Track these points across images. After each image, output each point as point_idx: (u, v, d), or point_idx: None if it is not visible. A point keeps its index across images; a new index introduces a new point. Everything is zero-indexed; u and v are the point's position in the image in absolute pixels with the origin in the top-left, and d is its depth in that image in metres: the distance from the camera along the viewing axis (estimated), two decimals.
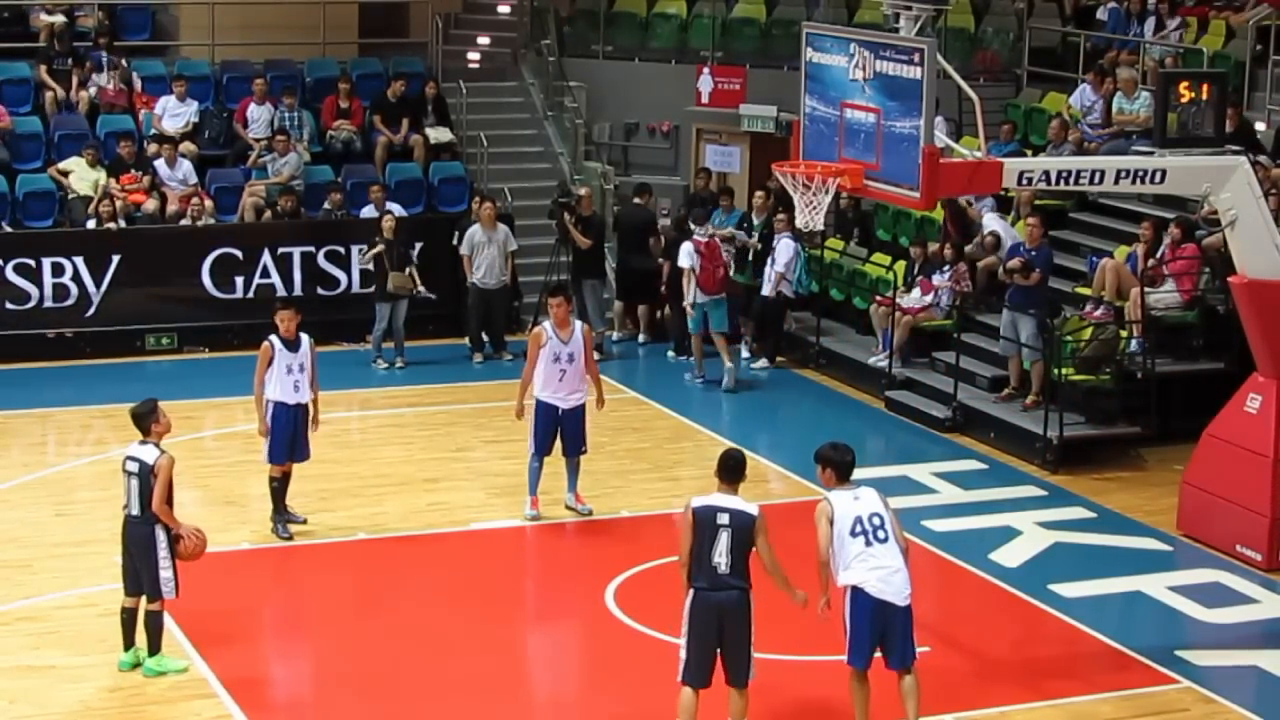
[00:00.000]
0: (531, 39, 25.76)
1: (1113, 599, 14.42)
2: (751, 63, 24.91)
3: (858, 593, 11.11)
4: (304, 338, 14.96)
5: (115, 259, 20.83)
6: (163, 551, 12.13)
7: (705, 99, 24.89)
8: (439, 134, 23.50)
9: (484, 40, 25.91)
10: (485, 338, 21.15)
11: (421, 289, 20.69)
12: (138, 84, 23.11)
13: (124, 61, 23.04)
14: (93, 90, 22.67)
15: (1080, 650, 13.36)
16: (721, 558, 10.95)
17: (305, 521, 15.25)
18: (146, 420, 12.23)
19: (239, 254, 21.31)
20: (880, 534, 11.10)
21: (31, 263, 20.62)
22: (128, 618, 12.37)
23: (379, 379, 20.36)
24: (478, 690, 12.32)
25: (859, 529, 11.10)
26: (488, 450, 17.81)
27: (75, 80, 22.72)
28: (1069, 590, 14.38)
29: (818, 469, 11.49)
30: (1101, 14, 24.42)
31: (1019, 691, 12.53)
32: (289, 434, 14.93)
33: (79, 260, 20.74)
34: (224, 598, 13.46)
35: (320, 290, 21.56)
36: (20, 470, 16.90)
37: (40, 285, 20.65)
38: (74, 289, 20.76)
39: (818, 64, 13.93)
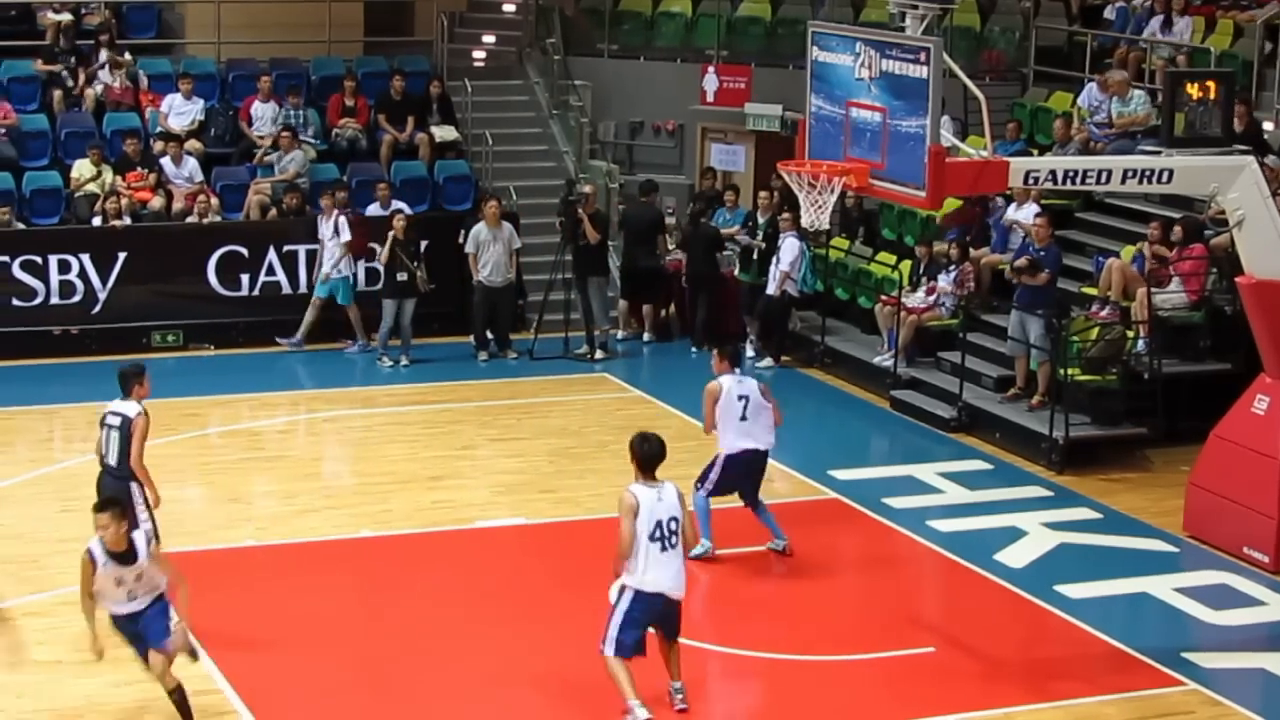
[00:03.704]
0: (537, 37, 25.74)
1: (1118, 600, 14.38)
2: (757, 61, 24.87)
3: (642, 593, 11.54)
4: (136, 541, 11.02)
5: (121, 256, 20.84)
6: (139, 505, 12.44)
7: (710, 98, 24.84)
8: (444, 132, 23.48)
9: (489, 39, 25.88)
10: (490, 335, 21.16)
11: (426, 284, 20.64)
12: (144, 82, 23.11)
13: (126, 55, 23.03)
14: (99, 88, 22.68)
15: (1085, 651, 13.32)
16: None
17: None
18: (131, 381, 12.90)
19: (244, 251, 21.31)
20: (673, 540, 11.54)
21: (38, 259, 20.62)
22: None
23: (383, 377, 20.35)
24: (480, 688, 12.30)
25: (658, 534, 11.50)
26: (492, 448, 17.80)
27: (81, 78, 22.74)
28: (1074, 591, 14.34)
29: (630, 455, 11.72)
30: (1109, 13, 24.37)
31: (1024, 692, 12.49)
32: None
33: (85, 257, 20.76)
34: (226, 595, 13.44)
35: None
36: (26, 466, 16.89)
37: (46, 282, 20.65)
38: (80, 286, 20.77)
39: (823, 63, 13.92)
